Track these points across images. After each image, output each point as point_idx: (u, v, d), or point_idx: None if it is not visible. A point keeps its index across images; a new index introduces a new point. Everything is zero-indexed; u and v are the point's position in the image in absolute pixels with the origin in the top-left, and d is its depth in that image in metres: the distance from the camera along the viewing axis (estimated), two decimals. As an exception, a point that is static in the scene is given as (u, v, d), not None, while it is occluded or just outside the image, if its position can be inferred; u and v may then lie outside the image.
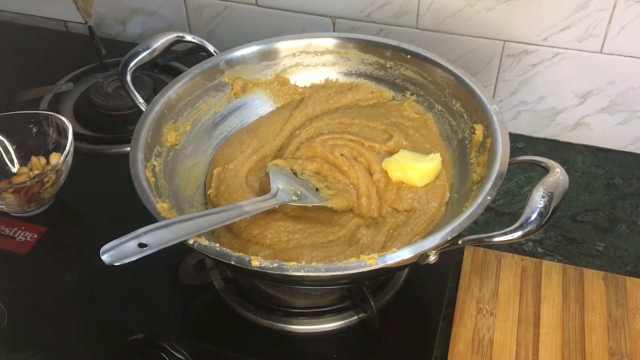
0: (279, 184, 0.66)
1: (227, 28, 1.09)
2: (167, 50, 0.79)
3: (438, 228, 0.61)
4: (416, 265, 0.57)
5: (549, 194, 0.55)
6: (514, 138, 0.96)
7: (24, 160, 0.85)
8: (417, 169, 0.69)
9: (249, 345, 0.68)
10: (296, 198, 0.65)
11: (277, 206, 0.64)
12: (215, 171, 0.74)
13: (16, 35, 1.21)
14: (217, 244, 0.57)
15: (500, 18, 0.91)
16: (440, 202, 0.68)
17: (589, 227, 0.85)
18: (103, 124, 0.97)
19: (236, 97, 0.81)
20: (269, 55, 0.82)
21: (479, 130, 0.69)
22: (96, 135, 0.95)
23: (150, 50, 0.77)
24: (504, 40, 0.93)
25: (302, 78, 0.83)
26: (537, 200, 0.55)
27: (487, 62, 0.96)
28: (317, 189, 0.69)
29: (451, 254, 0.75)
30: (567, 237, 0.84)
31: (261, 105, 0.83)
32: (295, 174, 0.70)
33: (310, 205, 0.66)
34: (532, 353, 0.69)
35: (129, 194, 0.62)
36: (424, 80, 0.78)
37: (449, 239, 0.55)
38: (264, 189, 0.72)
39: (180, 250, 0.62)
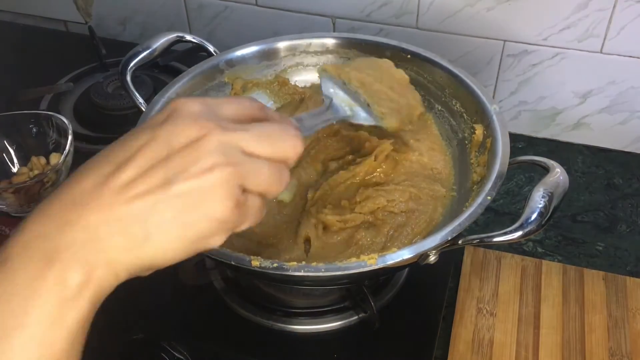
0: (332, 95, 0.60)
1: (227, 28, 1.09)
2: (167, 50, 0.79)
3: (438, 228, 0.61)
4: (416, 265, 0.57)
5: (549, 194, 0.55)
6: (514, 138, 0.96)
7: (24, 160, 0.85)
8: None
9: (249, 345, 0.69)
10: (350, 114, 0.61)
11: (334, 123, 0.60)
12: None
13: (16, 35, 1.21)
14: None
15: (500, 18, 0.91)
16: (435, 197, 0.68)
17: (589, 227, 0.85)
18: (103, 124, 0.97)
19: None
20: (269, 55, 0.82)
21: (479, 130, 0.69)
22: (96, 135, 0.95)
23: (150, 50, 0.77)
24: (504, 40, 0.93)
25: (302, 78, 0.83)
26: (537, 200, 0.55)
27: (487, 62, 0.96)
28: (368, 105, 0.62)
29: (451, 254, 0.74)
30: (567, 237, 0.84)
31: (261, 105, 0.83)
32: (344, 83, 0.64)
33: (364, 124, 0.62)
34: (532, 353, 0.69)
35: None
36: (424, 80, 0.78)
37: (449, 239, 0.55)
38: None
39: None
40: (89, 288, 0.37)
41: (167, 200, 0.37)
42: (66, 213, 0.37)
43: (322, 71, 0.63)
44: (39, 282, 0.35)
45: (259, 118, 0.43)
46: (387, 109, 0.62)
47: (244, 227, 0.41)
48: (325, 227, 0.66)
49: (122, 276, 0.39)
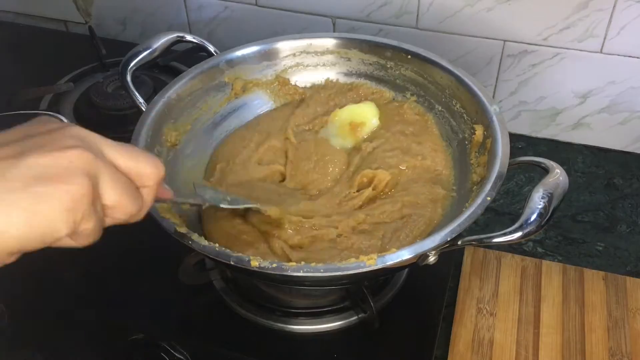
0: (206, 193, 0.61)
1: (227, 28, 1.09)
2: (168, 50, 0.79)
3: (438, 229, 0.61)
4: (416, 266, 0.57)
5: (549, 195, 0.55)
6: (514, 138, 0.96)
7: (24, 160, 0.84)
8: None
9: (249, 345, 0.69)
10: (227, 201, 0.61)
11: (206, 204, 0.60)
12: (218, 166, 0.74)
13: (16, 35, 1.21)
14: (216, 244, 0.57)
15: (500, 18, 0.91)
16: (435, 199, 0.68)
17: (589, 227, 0.85)
18: (103, 124, 0.96)
19: (236, 97, 0.81)
20: (269, 55, 0.82)
21: (479, 130, 0.69)
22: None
23: (150, 50, 0.77)
24: (504, 40, 0.93)
25: (302, 78, 0.83)
26: (537, 201, 0.55)
27: (487, 62, 0.96)
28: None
29: (451, 254, 0.74)
30: (567, 237, 0.84)
31: (261, 105, 0.83)
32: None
33: (242, 207, 0.64)
34: (532, 353, 0.69)
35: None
36: (425, 80, 0.78)
37: (448, 239, 0.55)
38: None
39: (180, 250, 0.62)
40: None
41: (17, 169, 0.36)
42: None
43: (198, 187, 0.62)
44: None
45: (133, 178, 0.42)
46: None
47: (81, 238, 0.39)
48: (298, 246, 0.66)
49: None
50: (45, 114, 0.86)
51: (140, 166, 0.41)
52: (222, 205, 0.60)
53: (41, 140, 0.37)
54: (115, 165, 0.40)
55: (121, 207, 0.40)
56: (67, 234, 0.37)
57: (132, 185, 0.41)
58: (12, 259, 0.37)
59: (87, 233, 0.39)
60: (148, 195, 0.43)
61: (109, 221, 0.41)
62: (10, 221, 0.35)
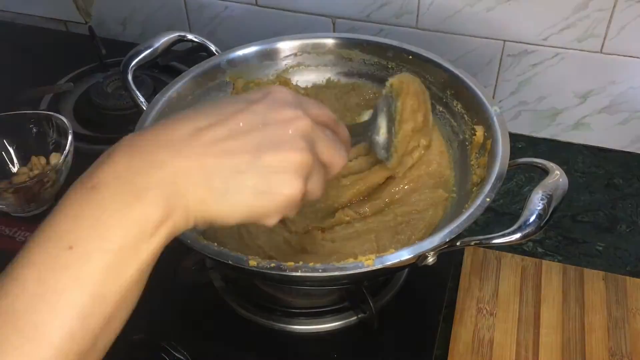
0: (380, 113, 0.67)
1: (228, 28, 1.09)
2: (169, 49, 0.79)
3: (437, 230, 0.61)
4: (415, 266, 0.57)
5: (548, 196, 0.55)
6: (514, 138, 0.96)
7: (24, 160, 0.85)
8: None
9: (249, 345, 0.69)
10: (377, 139, 0.67)
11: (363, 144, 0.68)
12: None
13: (16, 35, 1.21)
14: (215, 243, 0.57)
15: (500, 18, 0.91)
16: (436, 202, 0.68)
17: (589, 227, 0.86)
18: (103, 124, 0.97)
19: (237, 97, 0.81)
20: (270, 55, 0.82)
21: (480, 131, 0.69)
22: (96, 135, 0.95)
23: (152, 49, 0.77)
24: (504, 40, 0.93)
25: (303, 78, 0.83)
26: (536, 202, 0.55)
27: (487, 62, 0.96)
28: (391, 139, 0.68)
29: (451, 254, 0.74)
30: (567, 237, 0.84)
31: (262, 105, 0.83)
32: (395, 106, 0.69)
33: (377, 155, 0.68)
34: (532, 353, 0.69)
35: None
36: (425, 81, 0.77)
37: (448, 240, 0.55)
38: None
39: (180, 250, 0.62)
40: (165, 228, 0.39)
41: (253, 165, 0.41)
42: (159, 153, 0.39)
43: (390, 86, 0.66)
44: (124, 214, 0.37)
45: (331, 127, 0.48)
46: (401, 152, 0.68)
47: (316, 193, 0.45)
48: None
49: (191, 224, 0.41)
50: (46, 113, 0.86)
51: (334, 161, 0.46)
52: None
53: (277, 134, 0.42)
54: (322, 159, 0.45)
55: (336, 163, 0.47)
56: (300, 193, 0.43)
57: (338, 142, 0.47)
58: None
59: (314, 189, 0.45)
60: (329, 175, 0.48)
61: (330, 172, 0.47)
62: (233, 211, 0.42)
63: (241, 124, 0.41)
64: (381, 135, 0.66)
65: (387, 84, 0.66)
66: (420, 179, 0.71)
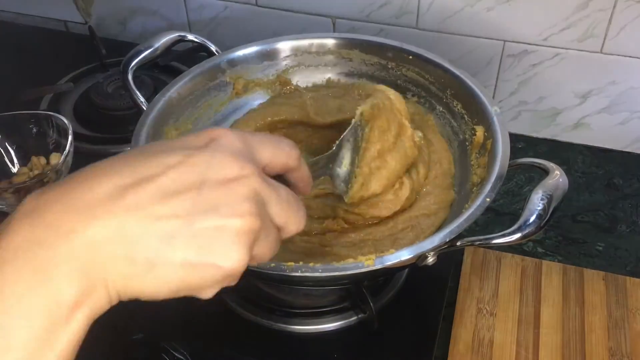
0: (345, 144, 0.61)
1: (227, 28, 1.09)
2: (169, 49, 0.79)
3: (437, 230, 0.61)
4: (415, 266, 0.57)
5: (548, 197, 0.55)
6: (514, 138, 0.96)
7: (24, 160, 0.85)
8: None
9: (249, 345, 0.69)
10: (338, 172, 0.61)
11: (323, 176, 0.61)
12: None
13: (16, 35, 1.21)
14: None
15: (500, 18, 0.91)
16: (443, 207, 0.68)
17: (589, 227, 0.86)
18: (103, 124, 0.97)
19: (237, 97, 0.81)
20: (270, 55, 0.82)
21: (480, 131, 0.69)
22: (96, 135, 0.95)
23: (152, 49, 0.77)
24: (504, 40, 0.93)
25: (303, 78, 0.83)
26: (536, 202, 0.55)
27: (487, 62, 0.96)
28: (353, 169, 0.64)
29: (451, 254, 0.75)
30: (567, 237, 0.84)
31: (262, 105, 0.83)
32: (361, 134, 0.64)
33: (335, 189, 0.63)
34: (532, 353, 0.69)
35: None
36: (425, 81, 0.78)
37: (447, 240, 0.55)
38: None
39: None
40: (83, 310, 0.33)
41: (185, 233, 0.34)
42: (70, 220, 0.33)
43: (361, 115, 0.62)
44: (30, 299, 0.31)
45: (292, 168, 0.42)
46: (361, 180, 0.63)
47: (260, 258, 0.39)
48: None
49: (115, 301, 0.35)
50: (46, 113, 0.86)
51: (290, 224, 0.40)
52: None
53: (215, 197, 0.35)
54: (274, 222, 0.39)
55: (291, 225, 0.40)
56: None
57: (277, 239, 0.40)
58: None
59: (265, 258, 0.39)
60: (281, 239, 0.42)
61: (284, 235, 0.40)
62: (161, 287, 0.35)
63: (174, 182, 0.34)
64: (343, 167, 0.62)
65: (358, 112, 0.61)
66: (436, 179, 0.71)
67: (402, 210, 0.67)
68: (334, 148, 0.60)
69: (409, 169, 0.69)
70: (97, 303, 0.34)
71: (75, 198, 0.33)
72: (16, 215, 0.33)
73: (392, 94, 0.66)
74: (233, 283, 0.37)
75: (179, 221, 0.34)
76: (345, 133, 0.61)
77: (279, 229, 0.39)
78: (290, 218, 0.39)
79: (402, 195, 0.66)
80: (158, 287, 0.35)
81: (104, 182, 0.34)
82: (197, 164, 0.35)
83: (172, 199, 0.34)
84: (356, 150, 0.62)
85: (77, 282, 0.32)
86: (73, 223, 0.32)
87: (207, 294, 0.37)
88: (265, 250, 0.38)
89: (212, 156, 0.36)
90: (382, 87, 0.67)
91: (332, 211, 0.67)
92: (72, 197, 0.33)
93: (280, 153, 0.41)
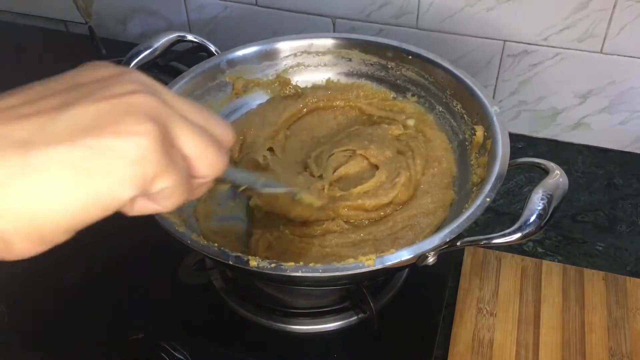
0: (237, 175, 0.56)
1: (227, 28, 1.09)
2: (169, 49, 0.79)
3: (438, 230, 0.61)
4: (415, 266, 0.57)
5: (548, 196, 0.55)
6: (514, 138, 0.96)
7: (24, 160, 0.84)
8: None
9: (249, 345, 0.69)
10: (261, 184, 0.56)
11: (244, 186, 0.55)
12: None
13: (16, 35, 1.21)
14: (216, 243, 0.57)
15: (500, 18, 0.91)
16: (443, 206, 0.68)
17: (589, 227, 0.85)
18: (103, 124, 0.96)
19: (237, 97, 0.81)
20: (270, 55, 0.82)
21: (480, 131, 0.69)
22: (96, 135, 0.95)
23: (152, 49, 0.77)
24: (504, 40, 0.93)
25: (303, 78, 0.83)
26: (536, 202, 0.55)
27: (487, 62, 0.96)
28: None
29: (451, 254, 0.74)
30: (567, 237, 0.84)
31: (262, 105, 0.83)
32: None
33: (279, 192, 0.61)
34: (532, 353, 0.69)
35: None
36: (425, 81, 0.78)
37: (447, 240, 0.55)
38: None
39: (180, 250, 0.62)
40: None
41: (60, 121, 0.28)
42: None
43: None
44: None
45: (207, 128, 0.34)
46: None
47: (163, 200, 0.31)
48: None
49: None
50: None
51: (212, 126, 0.33)
52: (258, 188, 0.54)
53: (91, 87, 0.30)
54: (190, 120, 0.32)
55: (207, 159, 0.32)
56: (137, 194, 0.29)
57: (212, 137, 0.33)
58: (66, 236, 0.29)
59: (169, 192, 0.31)
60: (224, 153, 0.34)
61: (197, 180, 0.33)
62: (56, 190, 0.27)
63: (44, 88, 0.30)
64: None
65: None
66: (434, 178, 0.71)
67: (401, 203, 0.68)
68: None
69: (406, 160, 0.71)
70: None
71: None
72: None
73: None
74: (155, 186, 0.30)
75: (51, 113, 0.29)
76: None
77: (191, 167, 0.32)
78: (209, 121, 0.33)
79: (398, 182, 0.68)
80: (46, 197, 0.27)
81: None
82: (67, 74, 0.31)
83: (41, 99, 0.29)
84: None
85: None
86: None
87: (123, 194, 0.29)
88: (193, 143, 0.31)
89: (106, 76, 0.31)
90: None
91: (333, 212, 0.67)
92: None
93: (195, 109, 0.34)
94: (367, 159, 0.71)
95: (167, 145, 0.30)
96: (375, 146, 0.71)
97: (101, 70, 0.31)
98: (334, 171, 0.70)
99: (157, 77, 0.97)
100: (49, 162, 0.27)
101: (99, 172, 0.28)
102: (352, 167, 0.71)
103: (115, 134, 0.28)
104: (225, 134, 0.34)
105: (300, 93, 0.82)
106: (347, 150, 0.72)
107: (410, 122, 0.77)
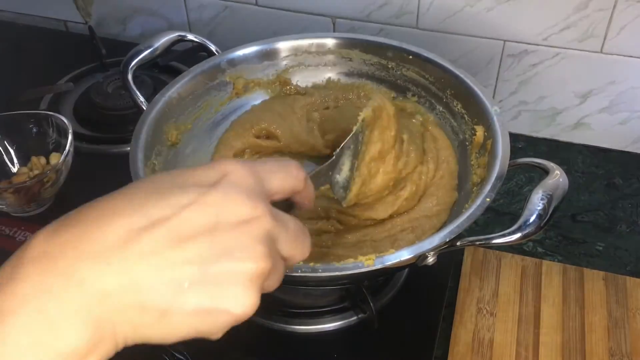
0: (344, 153, 0.62)
1: (227, 28, 1.09)
2: (169, 49, 0.79)
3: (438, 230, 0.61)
4: (415, 266, 0.57)
5: (548, 196, 0.55)
6: (514, 138, 0.96)
7: (24, 160, 0.85)
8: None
9: (249, 345, 0.68)
10: (337, 179, 0.62)
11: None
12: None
13: (16, 35, 1.21)
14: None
15: (500, 18, 0.91)
16: (446, 208, 0.68)
17: (589, 227, 0.86)
18: (103, 124, 0.97)
19: (237, 97, 0.81)
20: (270, 55, 0.82)
21: (480, 131, 0.69)
22: (96, 135, 0.95)
23: (152, 49, 0.77)
24: (504, 40, 0.93)
25: (303, 78, 0.83)
26: (536, 202, 0.55)
27: (488, 62, 0.96)
28: (352, 174, 0.65)
29: (451, 254, 0.75)
30: (567, 237, 0.84)
31: (262, 105, 0.83)
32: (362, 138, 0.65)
33: (334, 194, 0.64)
34: (532, 353, 0.69)
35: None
36: (425, 81, 0.78)
37: (447, 240, 0.55)
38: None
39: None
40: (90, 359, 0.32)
41: (198, 280, 0.33)
42: (81, 268, 0.31)
43: (362, 121, 0.62)
44: (35, 352, 0.30)
45: (298, 190, 0.42)
46: (360, 183, 0.63)
47: (275, 286, 0.39)
48: None
49: (120, 347, 0.34)
50: (46, 113, 0.86)
51: (295, 255, 0.40)
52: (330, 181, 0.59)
53: (229, 241, 0.34)
54: (282, 257, 0.39)
55: (300, 257, 0.40)
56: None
57: (304, 237, 0.40)
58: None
59: (272, 284, 0.38)
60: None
61: (289, 265, 0.40)
62: (172, 333, 0.35)
63: (187, 225, 0.33)
64: (342, 174, 0.63)
65: (360, 118, 0.62)
66: (442, 180, 0.70)
67: (400, 212, 0.67)
68: (334, 157, 0.61)
69: (419, 167, 0.69)
70: (104, 352, 0.33)
71: (86, 242, 0.32)
72: (24, 259, 0.32)
73: (389, 102, 0.65)
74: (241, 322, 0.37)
75: (192, 268, 0.33)
76: (346, 140, 0.61)
77: (285, 260, 0.39)
78: (297, 249, 0.39)
79: (401, 196, 0.67)
80: (168, 334, 0.34)
81: (115, 223, 0.33)
82: (210, 204, 0.34)
83: (185, 244, 0.33)
84: (356, 156, 0.63)
85: (85, 334, 0.31)
86: (84, 271, 0.31)
87: (216, 336, 0.36)
88: (272, 284, 0.38)
89: (224, 196, 0.35)
90: (378, 96, 0.66)
91: (324, 212, 0.67)
92: (83, 242, 0.32)
93: (289, 178, 0.41)
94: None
95: (277, 262, 0.37)
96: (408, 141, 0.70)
97: (241, 207, 0.36)
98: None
99: (157, 77, 0.98)
100: (180, 315, 0.34)
101: (210, 326, 0.35)
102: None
103: (232, 297, 0.35)
104: (302, 256, 0.41)
105: (302, 93, 0.82)
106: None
107: (417, 119, 0.77)
